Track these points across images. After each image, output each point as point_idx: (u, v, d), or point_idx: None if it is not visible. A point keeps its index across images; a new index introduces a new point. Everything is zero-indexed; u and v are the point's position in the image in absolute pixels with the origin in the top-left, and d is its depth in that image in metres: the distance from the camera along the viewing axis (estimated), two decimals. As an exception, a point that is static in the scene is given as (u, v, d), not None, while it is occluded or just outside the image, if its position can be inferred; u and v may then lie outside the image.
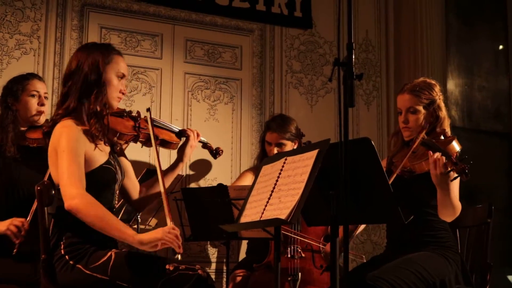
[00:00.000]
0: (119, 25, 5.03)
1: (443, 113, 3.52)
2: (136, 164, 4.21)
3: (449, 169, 3.06)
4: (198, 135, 3.67)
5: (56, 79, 4.71)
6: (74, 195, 2.74)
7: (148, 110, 3.39)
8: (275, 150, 4.40)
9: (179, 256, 3.05)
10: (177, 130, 3.67)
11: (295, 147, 4.44)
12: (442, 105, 3.54)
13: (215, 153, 4.06)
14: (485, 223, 3.53)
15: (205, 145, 4.04)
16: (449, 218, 3.31)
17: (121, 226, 2.84)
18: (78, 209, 2.74)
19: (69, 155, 2.82)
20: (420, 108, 3.48)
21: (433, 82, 3.59)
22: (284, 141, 4.41)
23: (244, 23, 5.46)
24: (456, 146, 3.27)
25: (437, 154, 3.12)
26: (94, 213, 2.77)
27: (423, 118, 3.48)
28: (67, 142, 2.85)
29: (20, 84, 3.79)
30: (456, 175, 3.04)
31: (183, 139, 3.62)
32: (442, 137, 3.38)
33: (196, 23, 5.28)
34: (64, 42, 4.82)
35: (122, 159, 3.25)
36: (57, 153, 2.87)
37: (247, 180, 4.47)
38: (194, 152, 3.77)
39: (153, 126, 3.34)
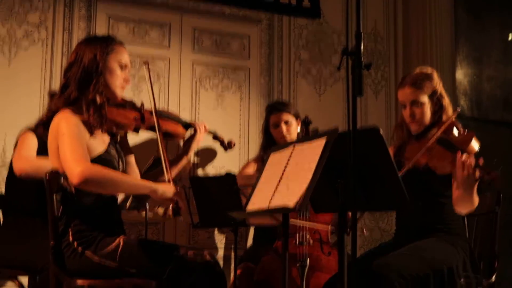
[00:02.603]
0: (127, 15, 5.02)
1: (446, 100, 3.50)
2: (144, 152, 4.23)
3: (479, 176, 3.05)
4: (205, 128, 3.67)
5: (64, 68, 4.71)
6: (81, 169, 2.73)
7: (146, 64, 3.39)
8: (284, 129, 4.42)
9: (182, 218, 3.09)
10: (184, 122, 3.66)
11: (299, 127, 4.47)
12: (444, 92, 3.52)
13: (227, 146, 4.06)
14: (493, 212, 3.53)
15: (216, 138, 4.05)
16: (464, 212, 3.33)
17: (134, 181, 2.96)
18: (90, 180, 2.74)
19: (70, 136, 2.83)
20: (425, 99, 3.45)
21: (430, 71, 3.56)
22: (290, 118, 4.46)
23: (252, 12, 5.44)
24: (475, 146, 3.23)
25: (465, 156, 3.10)
26: (107, 179, 2.80)
27: (429, 109, 3.47)
28: (67, 126, 2.86)
29: None
30: (488, 180, 3.04)
31: (191, 131, 3.62)
32: (455, 131, 3.34)
33: (204, 13, 5.27)
34: (72, 32, 4.81)
35: (125, 149, 3.25)
36: (57, 140, 2.88)
37: (250, 169, 4.49)
38: (203, 140, 3.78)
39: (158, 116, 3.33)
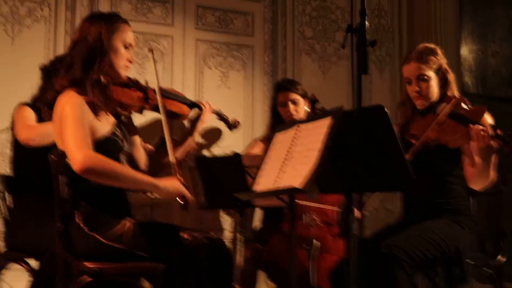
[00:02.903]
0: (130, -9, 5.00)
1: (451, 75, 3.50)
2: (150, 132, 4.22)
3: (498, 146, 3.06)
4: (210, 108, 3.66)
5: (67, 47, 4.68)
6: (82, 156, 2.72)
7: (151, 51, 3.34)
8: (292, 108, 4.38)
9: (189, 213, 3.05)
10: (189, 102, 3.65)
11: (306, 107, 4.43)
12: (449, 68, 3.51)
13: (231, 125, 4.06)
14: (499, 191, 3.53)
15: (221, 117, 4.05)
16: (479, 187, 3.33)
17: (139, 177, 2.89)
18: (90, 169, 2.72)
19: (73, 120, 2.81)
20: (431, 73, 3.45)
21: (433, 46, 3.56)
22: (298, 97, 4.41)
23: (256, -11, 5.42)
24: (488, 119, 3.23)
25: (480, 127, 3.09)
26: (108, 170, 2.77)
27: (435, 84, 3.46)
28: (71, 109, 2.84)
29: None
30: (508, 151, 3.05)
31: (195, 110, 3.61)
32: (464, 106, 3.33)
33: (207, -11, 5.25)
34: (75, 10, 4.78)
35: (130, 129, 3.24)
36: (61, 122, 2.86)
37: (257, 148, 4.47)
38: (208, 120, 3.76)
39: (162, 96, 3.31)
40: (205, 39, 5.20)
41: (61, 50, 4.64)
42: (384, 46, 5.83)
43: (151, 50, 3.37)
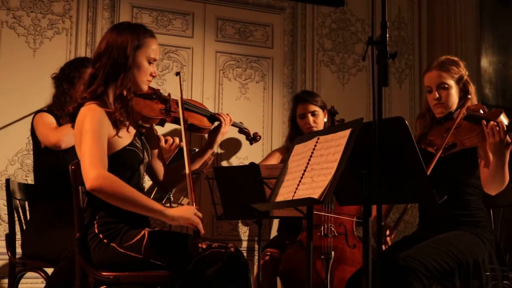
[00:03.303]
0: (150, 4, 5.03)
1: (472, 88, 3.52)
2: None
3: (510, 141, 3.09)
4: (230, 120, 3.66)
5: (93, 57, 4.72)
6: (95, 175, 2.72)
7: (178, 74, 3.34)
8: (311, 119, 4.41)
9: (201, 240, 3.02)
10: (209, 115, 3.65)
11: (325, 119, 4.45)
12: (470, 80, 3.53)
13: (252, 139, 4.07)
14: (517, 202, 3.51)
15: (241, 130, 4.06)
16: (495, 191, 3.31)
17: (147, 203, 2.86)
18: (100, 190, 2.73)
19: (92, 136, 2.81)
20: (452, 83, 3.46)
21: (456, 58, 3.59)
22: (317, 109, 4.45)
23: (276, 1, 5.43)
24: (504, 120, 3.24)
25: (493, 123, 3.11)
26: (118, 192, 2.76)
27: (455, 93, 3.47)
28: (91, 124, 2.84)
29: (77, 71, 3.80)
30: None
31: (216, 123, 3.61)
32: (481, 111, 3.35)
33: (227, 2, 5.26)
34: (96, 22, 4.83)
35: (152, 140, 3.25)
36: (81, 135, 2.86)
37: (275, 159, 4.48)
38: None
39: (184, 109, 3.31)
40: (225, 51, 5.22)
41: (82, 61, 4.67)
42: (404, 58, 5.82)
43: (178, 74, 3.37)
